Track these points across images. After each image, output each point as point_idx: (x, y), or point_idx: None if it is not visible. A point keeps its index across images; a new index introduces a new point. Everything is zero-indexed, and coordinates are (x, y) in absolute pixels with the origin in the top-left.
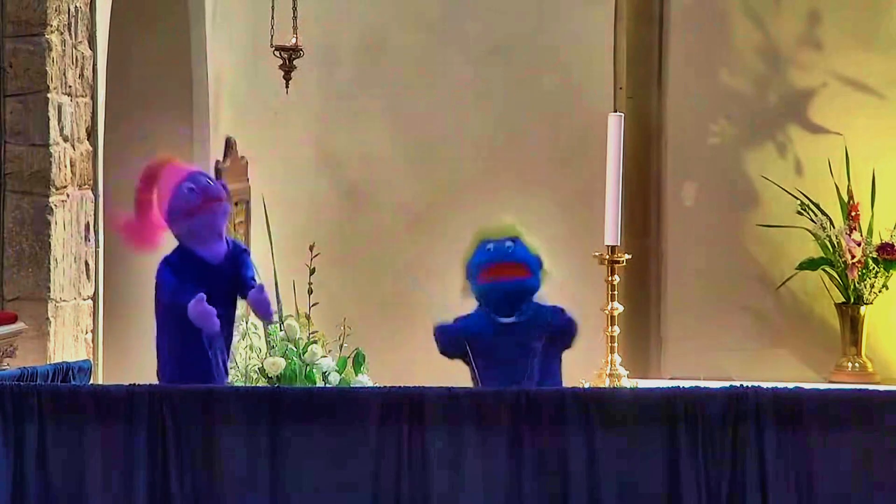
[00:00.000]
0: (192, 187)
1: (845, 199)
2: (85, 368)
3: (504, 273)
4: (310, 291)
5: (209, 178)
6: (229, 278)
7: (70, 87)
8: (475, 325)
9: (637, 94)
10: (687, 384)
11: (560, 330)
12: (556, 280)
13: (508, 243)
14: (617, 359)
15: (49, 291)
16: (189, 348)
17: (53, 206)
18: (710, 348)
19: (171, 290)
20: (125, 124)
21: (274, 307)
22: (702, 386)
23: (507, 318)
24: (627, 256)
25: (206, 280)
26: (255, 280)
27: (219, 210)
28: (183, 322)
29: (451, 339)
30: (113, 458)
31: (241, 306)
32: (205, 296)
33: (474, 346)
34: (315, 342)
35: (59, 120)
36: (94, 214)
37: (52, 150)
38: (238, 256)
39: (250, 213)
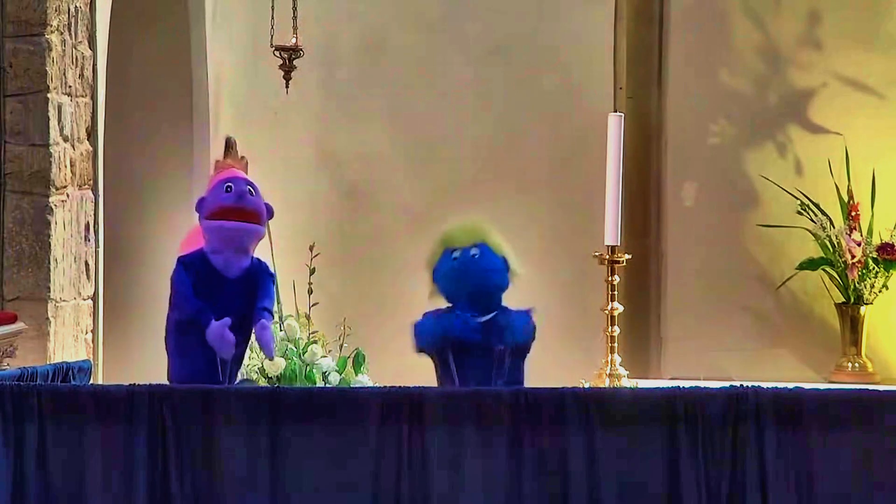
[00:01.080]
0: (229, 186)
1: (845, 199)
2: (85, 368)
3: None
4: (310, 291)
5: (254, 190)
6: (243, 296)
7: (70, 87)
8: (453, 324)
9: (637, 94)
10: (687, 384)
11: (518, 338)
12: (558, 279)
13: (473, 251)
14: (617, 359)
15: (49, 291)
16: (195, 355)
17: (53, 206)
18: (710, 348)
19: (182, 299)
20: (125, 124)
21: (274, 346)
22: (702, 386)
23: (482, 316)
24: (627, 256)
25: (219, 292)
26: (268, 312)
27: (244, 229)
28: (189, 330)
29: (433, 337)
30: (113, 458)
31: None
32: (229, 321)
33: (453, 345)
34: (315, 342)
35: (59, 120)
36: (94, 214)
37: (52, 150)
38: (259, 278)
39: None
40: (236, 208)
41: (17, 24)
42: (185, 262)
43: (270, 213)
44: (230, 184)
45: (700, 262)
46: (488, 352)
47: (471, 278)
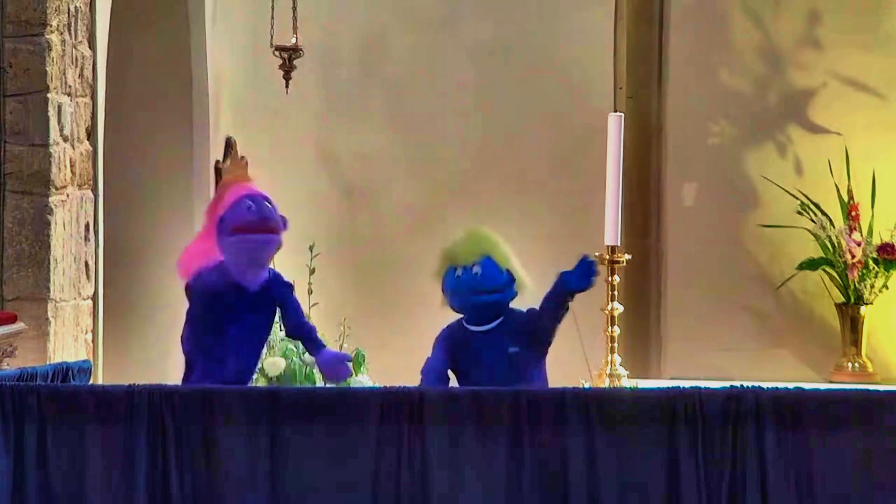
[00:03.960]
0: (250, 206)
1: (845, 199)
2: (85, 368)
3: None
4: (310, 291)
5: (271, 204)
6: (261, 308)
7: (70, 87)
8: (457, 335)
9: (637, 94)
10: (687, 384)
11: (526, 330)
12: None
13: (475, 268)
14: (617, 359)
15: (49, 291)
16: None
17: (53, 206)
18: (710, 348)
19: (194, 316)
20: (125, 124)
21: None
22: (702, 386)
23: (480, 326)
24: (627, 256)
25: (238, 305)
26: (308, 325)
27: (268, 241)
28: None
29: (444, 351)
30: (113, 458)
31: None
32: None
33: (458, 355)
34: None
35: (59, 120)
36: (94, 214)
37: (52, 150)
38: (278, 290)
39: None
40: (257, 227)
41: (17, 24)
42: (204, 278)
43: (285, 225)
44: (249, 203)
45: (700, 262)
46: (500, 359)
47: (473, 295)
